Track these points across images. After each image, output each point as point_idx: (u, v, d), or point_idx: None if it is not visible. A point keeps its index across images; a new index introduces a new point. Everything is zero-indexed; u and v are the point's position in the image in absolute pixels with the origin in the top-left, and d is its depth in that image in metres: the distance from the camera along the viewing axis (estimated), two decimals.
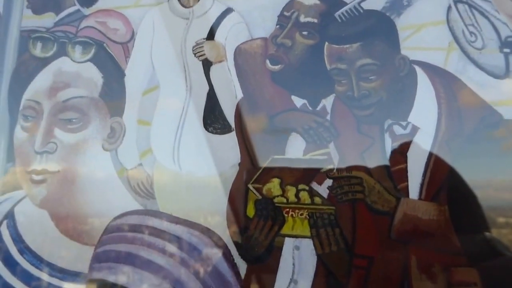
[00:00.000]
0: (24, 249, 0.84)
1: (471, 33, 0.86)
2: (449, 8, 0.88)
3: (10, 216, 0.86)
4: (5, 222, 0.85)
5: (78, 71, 0.89)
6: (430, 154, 0.83)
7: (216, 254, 0.79)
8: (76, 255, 0.81)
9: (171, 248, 0.79)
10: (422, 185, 0.83)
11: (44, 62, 0.89)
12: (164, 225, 0.81)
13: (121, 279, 0.80)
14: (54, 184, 0.85)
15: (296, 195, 0.82)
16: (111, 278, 0.80)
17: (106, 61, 0.88)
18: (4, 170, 0.88)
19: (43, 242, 0.82)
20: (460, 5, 0.87)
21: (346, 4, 0.88)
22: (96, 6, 0.92)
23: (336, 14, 0.88)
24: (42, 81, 0.88)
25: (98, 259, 0.82)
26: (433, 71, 0.87)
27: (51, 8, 0.93)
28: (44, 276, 0.80)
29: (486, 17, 0.86)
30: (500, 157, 0.81)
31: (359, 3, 0.88)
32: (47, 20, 0.93)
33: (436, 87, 0.86)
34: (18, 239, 0.84)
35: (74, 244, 0.82)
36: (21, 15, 0.93)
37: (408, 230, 0.80)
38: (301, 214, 0.81)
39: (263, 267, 0.80)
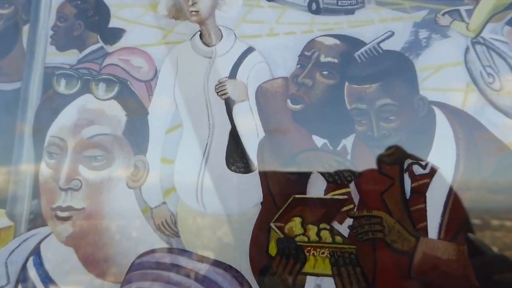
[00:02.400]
0: (50, 284, 0.85)
1: (488, 74, 0.88)
2: (467, 49, 0.90)
3: (36, 253, 0.88)
4: (31, 258, 0.87)
5: (102, 109, 0.91)
6: (449, 194, 0.85)
7: None
8: None
9: (197, 286, 0.81)
10: (441, 225, 0.85)
11: (68, 99, 0.91)
12: (189, 263, 0.82)
13: None
14: (80, 221, 0.86)
15: (318, 234, 0.84)
16: None
17: (129, 99, 0.90)
18: (29, 207, 0.89)
19: (70, 280, 0.83)
20: (477, 46, 0.89)
21: (365, 44, 0.90)
22: (119, 43, 0.93)
23: (356, 54, 0.90)
24: (66, 118, 0.90)
25: None
26: (451, 112, 0.89)
27: (74, 45, 0.95)
28: None
29: (504, 58, 0.88)
30: None
31: (378, 44, 0.90)
32: (71, 57, 0.95)
33: (454, 128, 0.88)
34: (44, 275, 0.86)
35: (101, 282, 0.84)
36: (45, 51, 0.95)
37: (428, 269, 0.82)
38: (323, 253, 0.83)
39: None
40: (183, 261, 0.83)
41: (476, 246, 0.80)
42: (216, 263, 0.83)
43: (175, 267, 0.82)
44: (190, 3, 0.93)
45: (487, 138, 0.85)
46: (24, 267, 0.88)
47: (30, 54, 0.95)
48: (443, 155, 0.84)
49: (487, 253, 0.80)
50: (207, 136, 0.88)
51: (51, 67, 0.96)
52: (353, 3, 0.90)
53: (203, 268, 0.82)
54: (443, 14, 0.90)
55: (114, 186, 0.88)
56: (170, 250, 0.84)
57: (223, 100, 0.90)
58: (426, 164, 0.85)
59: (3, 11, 0.97)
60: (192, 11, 0.93)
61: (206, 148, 0.88)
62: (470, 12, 0.89)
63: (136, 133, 0.90)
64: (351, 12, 0.91)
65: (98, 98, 0.93)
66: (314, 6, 0.91)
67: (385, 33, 0.89)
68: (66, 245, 0.87)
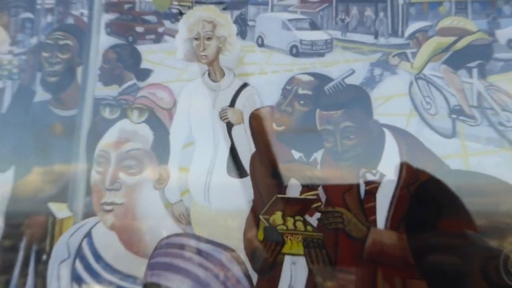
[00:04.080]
0: (99, 260, 1.16)
1: (427, 102, 1.12)
2: (411, 83, 1.14)
3: (88, 235, 1.18)
4: (85, 240, 1.18)
5: (135, 130, 1.20)
6: (393, 195, 1.10)
7: (236, 267, 1.09)
8: (136, 265, 1.12)
9: (203, 261, 1.09)
10: (387, 218, 1.10)
11: (111, 122, 1.21)
12: (198, 244, 1.11)
13: (166, 282, 1.10)
14: (120, 213, 1.17)
15: (294, 224, 1.11)
16: (160, 282, 1.11)
17: (155, 122, 1.19)
18: (84, 202, 1.20)
19: (113, 255, 1.13)
20: (419, 81, 1.14)
21: (332, 80, 1.16)
22: (148, 81, 1.23)
23: (325, 88, 1.16)
24: (109, 136, 1.20)
25: (151, 268, 1.13)
26: (397, 132, 1.13)
27: (115, 82, 1.25)
28: (114, 280, 1.11)
29: (439, 90, 1.13)
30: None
31: (342, 79, 1.15)
32: (113, 90, 1.25)
33: (399, 144, 1.13)
34: (94, 252, 1.16)
35: (134, 257, 1.13)
36: (94, 86, 1.25)
37: (376, 252, 1.07)
38: (297, 238, 1.10)
39: (269, 277, 1.10)
40: (193, 242, 1.11)
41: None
42: (219, 245, 1.11)
43: (188, 247, 1.11)
44: (201, 49, 1.21)
45: (424, 152, 1.10)
46: (80, 246, 1.19)
47: (83, 89, 1.26)
48: (389, 165, 1.09)
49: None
50: (212, 150, 1.17)
51: (99, 98, 1.26)
52: (324, 48, 1.16)
53: (208, 248, 1.11)
54: (393, 56, 1.14)
55: (144, 188, 1.18)
56: (185, 235, 1.13)
57: (225, 123, 1.18)
58: (376, 172, 1.11)
59: (63, 56, 1.29)
60: (202, 55, 1.22)
61: (212, 160, 1.16)
62: (414, 54, 1.13)
63: (160, 148, 1.19)
64: (322, 55, 1.17)
65: (133, 122, 1.23)
66: (294, 50, 1.18)
67: (348, 71, 1.14)
68: (110, 230, 1.18)
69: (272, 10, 1.21)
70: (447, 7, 1.12)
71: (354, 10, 1.16)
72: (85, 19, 1.28)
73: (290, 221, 1.11)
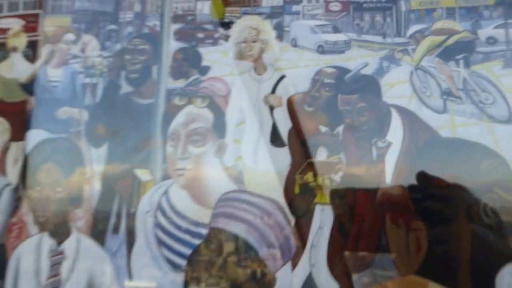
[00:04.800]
0: (174, 211, 1.52)
1: (424, 87, 1.43)
2: (411, 73, 1.45)
3: (166, 193, 1.55)
4: (163, 197, 1.54)
5: (199, 113, 1.55)
6: (398, 157, 1.42)
7: (278, 213, 1.44)
8: (203, 215, 1.48)
9: (254, 210, 1.45)
10: (393, 175, 1.42)
11: (180, 108, 1.57)
12: (250, 197, 1.46)
13: (226, 227, 1.46)
14: (190, 176, 1.53)
15: (322, 181, 1.44)
16: (222, 227, 1.47)
17: (215, 107, 1.54)
18: (162, 168, 1.57)
19: (185, 208, 1.49)
20: (418, 71, 1.45)
21: (350, 71, 1.48)
22: (207, 75, 1.58)
23: (345, 77, 1.49)
24: (179, 118, 1.56)
25: (214, 216, 1.49)
26: (401, 110, 1.45)
27: (182, 76, 1.60)
28: (188, 226, 1.47)
29: (433, 77, 1.43)
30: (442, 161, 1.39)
31: (358, 70, 1.47)
32: (181, 83, 1.61)
33: (402, 119, 1.44)
34: (171, 206, 1.53)
35: (201, 208, 1.49)
36: (166, 80, 1.61)
37: (385, 201, 1.40)
38: (325, 192, 1.44)
39: (304, 221, 1.44)
40: (246, 196, 1.47)
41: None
42: (265, 197, 1.46)
43: (242, 200, 1.47)
44: (248, 50, 1.56)
45: (421, 125, 1.41)
46: (159, 201, 1.56)
47: (157, 82, 1.61)
48: (395, 135, 1.41)
49: None
50: (259, 127, 1.52)
51: (170, 90, 1.61)
52: (343, 47, 1.49)
53: (258, 200, 1.46)
54: (398, 52, 1.46)
55: (208, 156, 1.54)
56: (239, 190, 1.49)
57: (268, 107, 1.53)
58: (385, 141, 1.43)
59: (141, 58, 1.65)
60: (249, 55, 1.56)
61: (258, 134, 1.51)
62: (414, 50, 1.45)
63: (219, 126, 1.55)
64: (342, 52, 1.49)
65: (197, 107, 1.58)
66: (320, 49, 1.51)
67: (362, 64, 1.46)
68: (183, 189, 1.54)
69: (303, 18, 1.54)
70: (439, 13, 1.43)
71: (367, 17, 1.49)
72: (158, 28, 1.64)
73: (319, 179, 1.45)
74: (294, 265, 1.39)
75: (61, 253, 1.55)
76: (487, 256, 1.25)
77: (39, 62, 1.72)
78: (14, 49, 1.74)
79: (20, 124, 1.69)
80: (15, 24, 1.75)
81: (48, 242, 1.57)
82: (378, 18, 1.48)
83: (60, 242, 1.56)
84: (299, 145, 1.46)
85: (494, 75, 1.37)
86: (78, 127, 1.63)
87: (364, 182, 1.40)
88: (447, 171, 1.34)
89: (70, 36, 1.70)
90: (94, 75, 1.65)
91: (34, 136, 1.66)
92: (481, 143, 1.33)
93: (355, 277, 1.37)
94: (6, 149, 1.69)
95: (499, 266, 1.21)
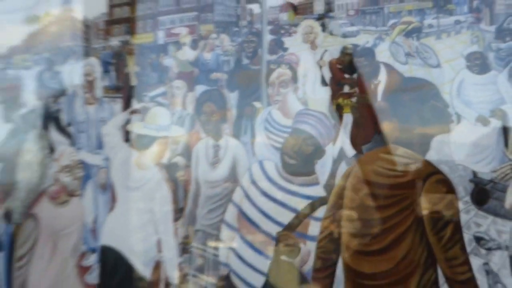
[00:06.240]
0: (274, 119, 3.05)
1: (396, 52, 2.83)
2: (390, 45, 2.83)
3: (270, 113, 3.08)
4: (268, 114, 3.07)
5: (284, 71, 3.05)
6: (384, 88, 2.83)
7: (327, 120, 2.93)
8: (289, 123, 3.00)
9: (314, 118, 2.95)
10: (382, 93, 2.85)
11: (274, 69, 3.07)
12: (312, 112, 2.97)
13: (301, 126, 2.98)
14: (281, 103, 3.05)
15: (343, 101, 2.91)
16: (298, 127, 2.99)
17: (292, 68, 3.03)
18: (266, 102, 3.09)
19: (279, 119, 3.02)
20: (393, 44, 2.83)
21: (359, 46, 2.88)
22: (287, 52, 3.06)
23: (357, 49, 2.90)
24: (274, 75, 3.07)
25: (294, 123, 3.01)
26: (384, 64, 2.84)
27: (275, 52, 3.10)
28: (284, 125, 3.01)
29: (401, 47, 2.82)
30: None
31: (364, 45, 2.87)
32: (274, 57, 3.10)
33: (386, 69, 2.84)
34: (272, 118, 3.05)
35: (289, 120, 3.01)
36: (266, 55, 3.12)
37: None
38: (349, 102, 2.90)
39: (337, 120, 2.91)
40: (310, 111, 2.97)
41: None
42: (320, 111, 2.95)
43: (309, 114, 2.97)
44: (307, 37, 3.01)
45: (394, 70, 2.81)
46: (267, 114, 3.10)
47: (261, 57, 3.12)
48: (382, 76, 2.82)
49: None
50: (314, 77, 3.00)
51: (268, 60, 3.11)
52: (356, 33, 2.91)
53: (316, 113, 2.95)
54: (383, 35, 2.85)
55: (289, 93, 3.05)
56: (306, 109, 2.99)
57: (319, 66, 2.99)
58: (378, 80, 2.85)
59: (252, 44, 3.15)
60: (308, 40, 3.02)
61: (315, 80, 2.99)
62: (391, 33, 2.83)
63: (294, 78, 3.03)
64: (355, 36, 2.91)
65: (282, 69, 3.08)
66: (344, 35, 2.94)
67: (365, 42, 2.86)
68: (277, 110, 3.06)
69: (334, 19, 2.98)
70: (404, 13, 2.81)
71: (367, 17, 2.90)
72: (260, 29, 3.13)
73: (343, 101, 2.90)
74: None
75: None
76: None
77: (198, 50, 3.28)
78: (184, 44, 3.31)
79: (190, 84, 3.28)
80: (183, 30, 3.31)
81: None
82: (374, 17, 2.88)
83: None
84: (336, 86, 2.93)
85: (431, 44, 2.74)
86: (221, 83, 3.19)
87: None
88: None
89: (214, 35, 3.24)
90: (227, 55, 3.19)
91: (199, 89, 3.24)
92: (424, 78, 2.73)
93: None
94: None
95: None
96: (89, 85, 3.19)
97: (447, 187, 2.12)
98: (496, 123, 2.40)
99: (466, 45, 2.63)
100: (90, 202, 3.20)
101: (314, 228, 2.60)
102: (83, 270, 3.10)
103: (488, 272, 2.02)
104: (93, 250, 3.07)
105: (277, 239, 2.68)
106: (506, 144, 2.37)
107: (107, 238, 2.99)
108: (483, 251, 2.06)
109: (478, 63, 2.59)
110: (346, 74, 2.91)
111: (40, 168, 3.22)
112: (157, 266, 2.94)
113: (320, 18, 3.00)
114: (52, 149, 3.24)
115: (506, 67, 2.49)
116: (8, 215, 3.19)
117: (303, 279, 2.58)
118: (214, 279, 2.90)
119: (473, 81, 2.60)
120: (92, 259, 3.08)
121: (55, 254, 2.97)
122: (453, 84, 2.63)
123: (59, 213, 3.07)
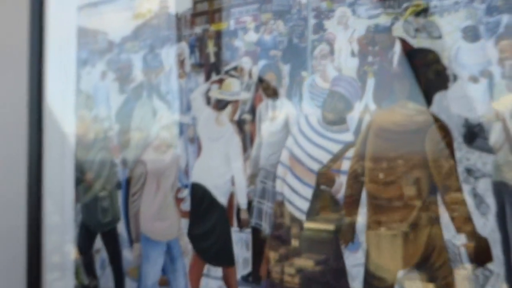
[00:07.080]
0: (316, 84, 3.99)
1: (408, 29, 3.63)
2: (403, 23, 3.63)
3: (313, 77, 4.02)
4: (311, 80, 4.02)
5: (324, 47, 3.97)
6: (399, 56, 3.65)
7: (355, 83, 3.83)
8: (327, 86, 3.93)
9: (346, 81, 3.87)
10: (397, 60, 3.67)
11: (317, 45, 4.00)
12: (342, 76, 3.89)
13: (336, 89, 3.90)
14: (322, 72, 3.98)
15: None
16: (334, 89, 3.91)
17: (330, 44, 3.94)
18: (310, 71, 4.04)
19: (320, 83, 3.95)
20: (405, 23, 3.62)
21: (380, 25, 3.72)
22: (326, 32, 3.97)
23: (378, 28, 3.73)
24: (317, 50, 4.00)
25: (332, 85, 3.95)
26: (399, 38, 3.63)
27: (319, 33, 4.03)
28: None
29: (411, 24, 3.62)
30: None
31: (383, 25, 3.70)
32: (316, 36, 4.03)
33: (400, 42, 3.63)
34: (314, 81, 4.00)
35: (327, 83, 3.93)
36: (311, 35, 4.06)
37: None
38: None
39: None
40: (342, 76, 3.87)
41: None
42: (349, 76, 3.84)
43: (342, 78, 3.89)
44: (341, 19, 3.91)
45: (406, 43, 3.60)
46: (311, 79, 4.05)
47: (307, 36, 4.04)
48: (397, 47, 3.63)
49: None
50: (346, 50, 3.90)
51: (312, 39, 4.02)
52: (378, 14, 3.75)
53: (346, 77, 3.86)
54: (398, 15, 3.65)
55: (328, 63, 3.98)
56: (341, 75, 3.90)
57: (349, 42, 3.88)
58: (394, 51, 3.66)
59: (300, 28, 4.10)
60: (341, 22, 3.91)
61: (347, 51, 3.90)
62: (404, 13, 3.62)
63: (331, 51, 3.95)
64: (377, 18, 3.74)
65: (323, 45, 4.00)
66: (367, 16, 3.79)
67: (385, 22, 3.69)
68: (319, 77, 4.01)
69: (358, 3, 3.83)
70: None
71: (387, 2, 3.73)
72: (307, 16, 4.07)
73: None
74: None
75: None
76: None
77: (260, 33, 4.29)
78: (249, 29, 4.33)
79: (254, 59, 4.30)
80: (249, 18, 4.32)
81: None
82: (392, 2, 3.72)
83: None
84: (362, 56, 3.80)
85: (435, 20, 3.52)
86: (277, 58, 4.17)
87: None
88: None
89: (271, 22, 4.22)
90: (282, 36, 4.15)
91: (261, 63, 4.21)
92: (429, 48, 3.52)
93: None
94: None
95: None
96: (181, 63, 3.92)
97: (446, 131, 2.90)
98: (483, 81, 3.07)
99: (462, 21, 3.32)
100: (183, 151, 3.93)
101: (345, 165, 3.54)
102: (179, 201, 3.84)
103: (475, 195, 2.71)
104: (186, 186, 3.80)
105: (318, 174, 3.68)
106: (491, 96, 3.16)
107: (195, 177, 3.82)
108: (472, 179, 2.74)
109: (471, 34, 3.32)
110: (369, 47, 3.78)
111: (146, 127, 4.39)
112: (232, 196, 3.81)
113: (351, 5, 3.89)
114: (154, 113, 4.25)
115: (492, 36, 3.25)
116: (124, 162, 4.30)
117: (336, 203, 3.57)
118: (272, 204, 3.94)
119: (467, 48, 3.33)
120: (185, 193, 3.81)
121: (159, 190, 3.84)
122: (451, 51, 3.40)
123: (161, 160, 3.93)
